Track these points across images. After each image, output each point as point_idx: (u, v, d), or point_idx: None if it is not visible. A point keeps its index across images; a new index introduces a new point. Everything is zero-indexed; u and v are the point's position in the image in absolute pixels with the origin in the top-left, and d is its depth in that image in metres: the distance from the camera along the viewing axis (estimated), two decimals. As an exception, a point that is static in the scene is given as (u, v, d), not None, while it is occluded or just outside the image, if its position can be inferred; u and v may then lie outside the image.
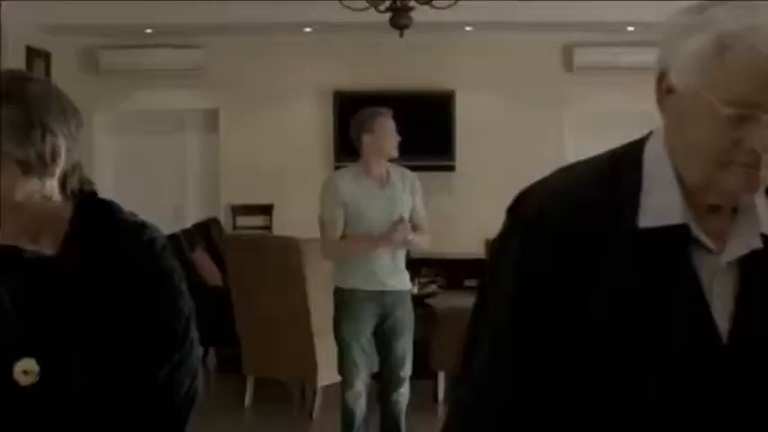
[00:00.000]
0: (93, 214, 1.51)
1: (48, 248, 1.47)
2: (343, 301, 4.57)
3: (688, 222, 1.20)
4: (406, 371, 4.66)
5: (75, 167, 1.50)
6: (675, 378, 1.18)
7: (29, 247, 1.47)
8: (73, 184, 1.50)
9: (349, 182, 4.59)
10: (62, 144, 1.44)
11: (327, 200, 4.59)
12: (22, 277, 1.46)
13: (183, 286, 1.55)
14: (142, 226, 1.54)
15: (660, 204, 1.20)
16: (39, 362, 1.44)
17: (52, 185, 1.46)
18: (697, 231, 1.20)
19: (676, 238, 1.20)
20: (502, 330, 1.26)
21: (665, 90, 1.20)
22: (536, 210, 1.26)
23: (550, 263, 1.22)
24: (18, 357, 1.44)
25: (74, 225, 1.49)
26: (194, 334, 1.55)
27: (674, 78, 1.18)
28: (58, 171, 1.45)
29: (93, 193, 1.54)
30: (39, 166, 1.42)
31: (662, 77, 1.20)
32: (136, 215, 1.57)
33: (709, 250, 1.20)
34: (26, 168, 1.42)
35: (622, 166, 1.25)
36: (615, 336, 1.19)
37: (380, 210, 4.57)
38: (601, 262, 1.20)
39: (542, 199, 1.28)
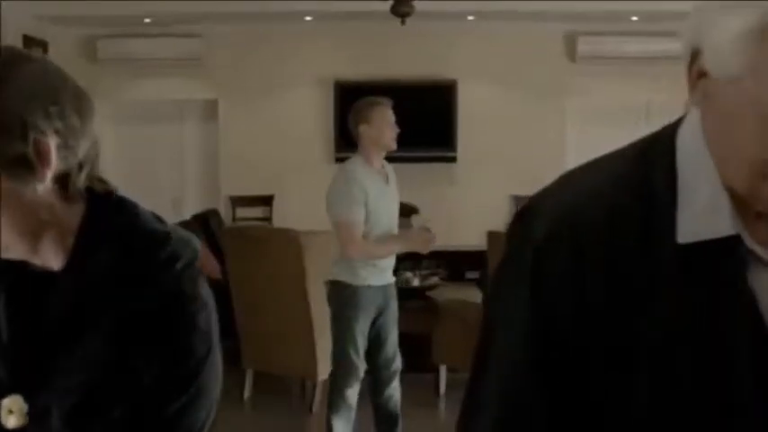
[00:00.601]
0: (104, 220, 1.26)
1: (54, 261, 1.25)
2: (354, 297, 4.41)
3: (739, 232, 0.99)
4: (398, 364, 4.62)
5: (82, 165, 1.24)
6: (735, 418, 0.98)
7: (35, 260, 1.24)
8: (78, 184, 1.24)
9: (365, 175, 4.34)
10: (52, 142, 1.19)
11: (350, 195, 4.29)
12: (19, 296, 1.24)
13: (201, 320, 1.27)
14: (165, 237, 1.26)
15: (703, 212, 1.00)
16: (27, 400, 1.21)
17: (46, 189, 1.21)
18: (750, 242, 0.99)
19: (726, 252, 0.98)
20: (514, 381, 1.05)
21: (695, 75, 1.00)
22: (546, 230, 1.04)
23: (572, 294, 1.01)
24: (4, 394, 1.21)
25: (83, 232, 1.25)
26: (208, 377, 1.27)
27: (708, 62, 0.98)
28: (50, 174, 1.20)
29: (109, 194, 1.28)
30: (21, 170, 1.19)
31: (693, 60, 1.00)
32: (163, 221, 1.30)
33: (765, 264, 0.99)
34: (6, 173, 1.18)
35: (650, 166, 1.04)
36: (661, 375, 0.99)
37: (389, 205, 4.46)
38: (634, 288, 1.00)
39: (554, 215, 1.05)
